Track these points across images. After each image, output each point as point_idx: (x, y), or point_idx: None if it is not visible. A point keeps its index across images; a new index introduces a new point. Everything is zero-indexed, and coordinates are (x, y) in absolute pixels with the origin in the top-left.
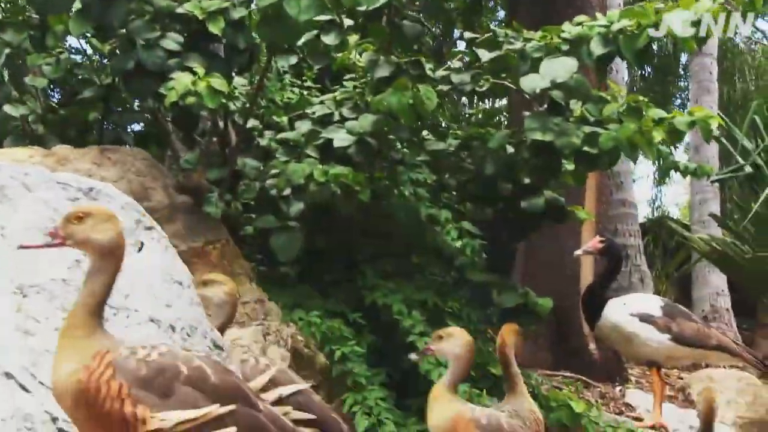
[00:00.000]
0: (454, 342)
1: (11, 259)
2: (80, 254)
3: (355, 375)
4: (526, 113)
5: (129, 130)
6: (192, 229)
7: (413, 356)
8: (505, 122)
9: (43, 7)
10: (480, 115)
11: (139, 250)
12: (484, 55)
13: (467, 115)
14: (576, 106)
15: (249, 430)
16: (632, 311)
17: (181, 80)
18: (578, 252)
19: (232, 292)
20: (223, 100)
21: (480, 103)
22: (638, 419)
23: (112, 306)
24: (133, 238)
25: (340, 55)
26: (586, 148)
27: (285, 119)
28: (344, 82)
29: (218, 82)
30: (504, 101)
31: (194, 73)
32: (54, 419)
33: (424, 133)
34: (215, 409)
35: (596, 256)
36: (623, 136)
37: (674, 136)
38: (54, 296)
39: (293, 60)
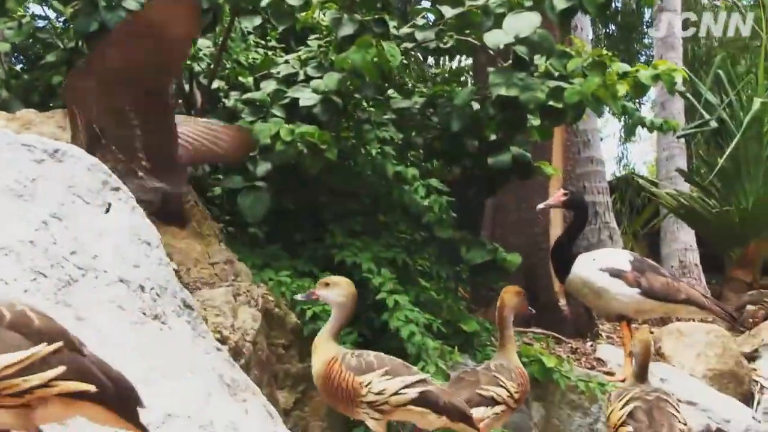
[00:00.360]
0: (339, 290)
1: None
2: (47, 215)
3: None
4: (491, 69)
5: None
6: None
7: (299, 296)
8: (471, 81)
9: None
10: (446, 75)
11: (107, 211)
12: (448, 11)
13: (433, 75)
14: (540, 61)
15: (75, 373)
16: (601, 266)
17: None
18: (541, 205)
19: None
20: (188, 61)
21: (447, 62)
22: (609, 374)
23: (81, 267)
24: (101, 199)
25: (303, 14)
26: (551, 103)
27: (250, 80)
28: (308, 42)
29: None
30: (469, 60)
31: None
32: None
33: (390, 91)
34: (42, 348)
35: (561, 209)
36: (588, 90)
37: (638, 89)
38: (21, 257)
39: (257, 21)
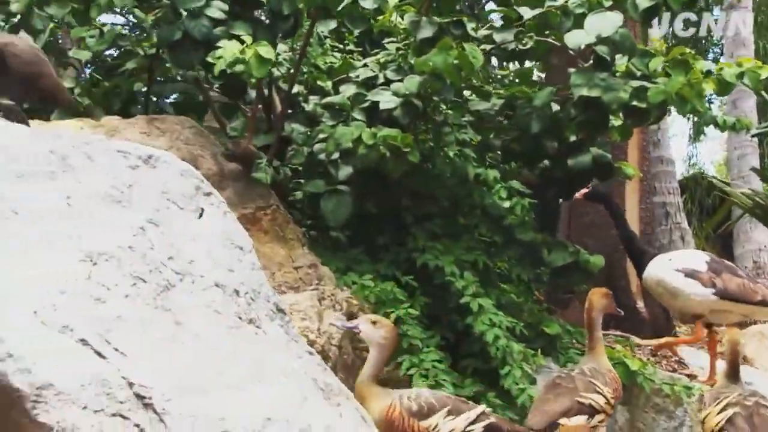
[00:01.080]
0: (383, 332)
1: (78, 227)
2: (144, 221)
3: (411, 338)
4: (572, 69)
5: (167, 100)
6: (242, 196)
7: (338, 324)
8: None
9: None
10: (512, 76)
11: (200, 216)
12: (526, 12)
13: (499, 77)
14: (621, 60)
15: None
16: (677, 266)
17: (228, 49)
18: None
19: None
20: (270, 68)
21: (510, 64)
22: (692, 376)
23: (178, 272)
24: (194, 205)
25: (380, 18)
26: (634, 103)
27: (329, 84)
28: (386, 45)
29: (265, 50)
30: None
31: (241, 42)
32: (130, 384)
33: (467, 93)
34: None
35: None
36: (672, 90)
37: (723, 87)
38: (122, 263)
39: (332, 24)
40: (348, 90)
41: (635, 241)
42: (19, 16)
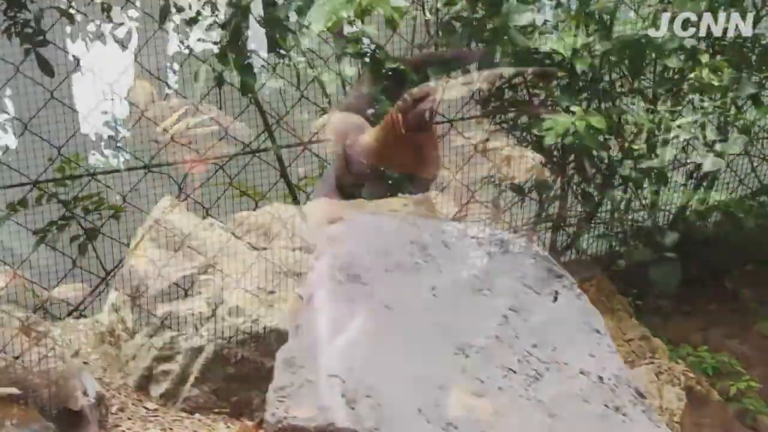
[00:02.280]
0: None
1: (446, 319)
2: (506, 308)
3: (755, 413)
4: None
5: None
6: (566, 269)
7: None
8: None
9: None
10: None
11: (554, 300)
12: None
13: None
14: None
15: None
16: None
17: (559, 120)
18: None
19: None
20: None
21: None
22: None
23: (543, 360)
24: (548, 288)
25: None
26: None
27: (644, 146)
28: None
29: (596, 119)
30: None
31: (571, 113)
32: None
33: None
34: None
35: None
36: None
37: None
38: (492, 354)
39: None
40: (666, 152)
41: None
42: None
